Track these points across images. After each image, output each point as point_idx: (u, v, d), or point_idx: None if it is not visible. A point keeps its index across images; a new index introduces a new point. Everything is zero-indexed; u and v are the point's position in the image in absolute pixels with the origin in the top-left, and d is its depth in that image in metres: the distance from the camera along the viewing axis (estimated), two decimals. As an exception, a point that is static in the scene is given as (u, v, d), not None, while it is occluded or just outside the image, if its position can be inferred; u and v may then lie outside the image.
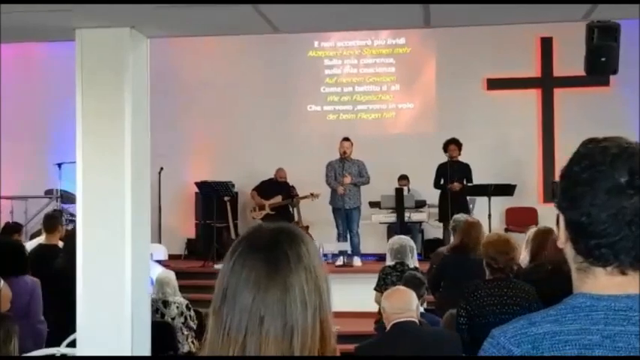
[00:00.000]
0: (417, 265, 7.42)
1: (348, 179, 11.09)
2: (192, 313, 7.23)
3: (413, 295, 4.85)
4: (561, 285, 5.70)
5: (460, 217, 7.64)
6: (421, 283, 6.19)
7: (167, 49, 11.41)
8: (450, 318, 5.72)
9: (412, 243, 7.59)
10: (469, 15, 4.50)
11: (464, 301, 5.18)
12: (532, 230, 6.61)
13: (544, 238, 6.17)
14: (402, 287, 5.18)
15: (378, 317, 6.53)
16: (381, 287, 7.02)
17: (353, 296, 9.13)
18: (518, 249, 5.57)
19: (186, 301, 7.26)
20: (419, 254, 9.22)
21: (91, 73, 5.00)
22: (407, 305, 4.72)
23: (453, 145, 11.39)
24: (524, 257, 6.21)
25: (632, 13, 4.52)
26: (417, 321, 4.75)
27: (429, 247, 11.29)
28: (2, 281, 5.54)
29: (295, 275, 1.54)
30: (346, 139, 11.29)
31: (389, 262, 7.33)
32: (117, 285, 4.98)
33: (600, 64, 6.34)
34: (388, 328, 4.71)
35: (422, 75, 13.21)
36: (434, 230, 12.23)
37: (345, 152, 11.18)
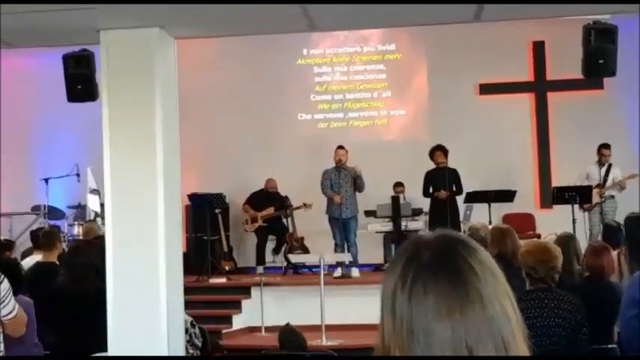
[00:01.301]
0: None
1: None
2: (197, 330, 6.95)
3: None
4: (597, 293, 5.47)
5: (477, 225, 7.36)
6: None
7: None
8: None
9: None
10: (522, 8, 4.29)
11: None
12: (551, 237, 6.45)
13: (566, 245, 6.01)
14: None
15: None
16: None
17: (354, 308, 8.88)
18: (559, 256, 5.35)
19: (190, 318, 6.98)
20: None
21: (117, 77, 4.69)
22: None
23: (438, 151, 11.20)
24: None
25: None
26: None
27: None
28: (17, 305, 5.19)
29: (485, 284, 1.29)
30: (340, 147, 11.09)
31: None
32: (151, 301, 4.70)
33: (598, 67, 6.23)
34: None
35: (413, 81, 13.01)
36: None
37: (340, 160, 10.97)
